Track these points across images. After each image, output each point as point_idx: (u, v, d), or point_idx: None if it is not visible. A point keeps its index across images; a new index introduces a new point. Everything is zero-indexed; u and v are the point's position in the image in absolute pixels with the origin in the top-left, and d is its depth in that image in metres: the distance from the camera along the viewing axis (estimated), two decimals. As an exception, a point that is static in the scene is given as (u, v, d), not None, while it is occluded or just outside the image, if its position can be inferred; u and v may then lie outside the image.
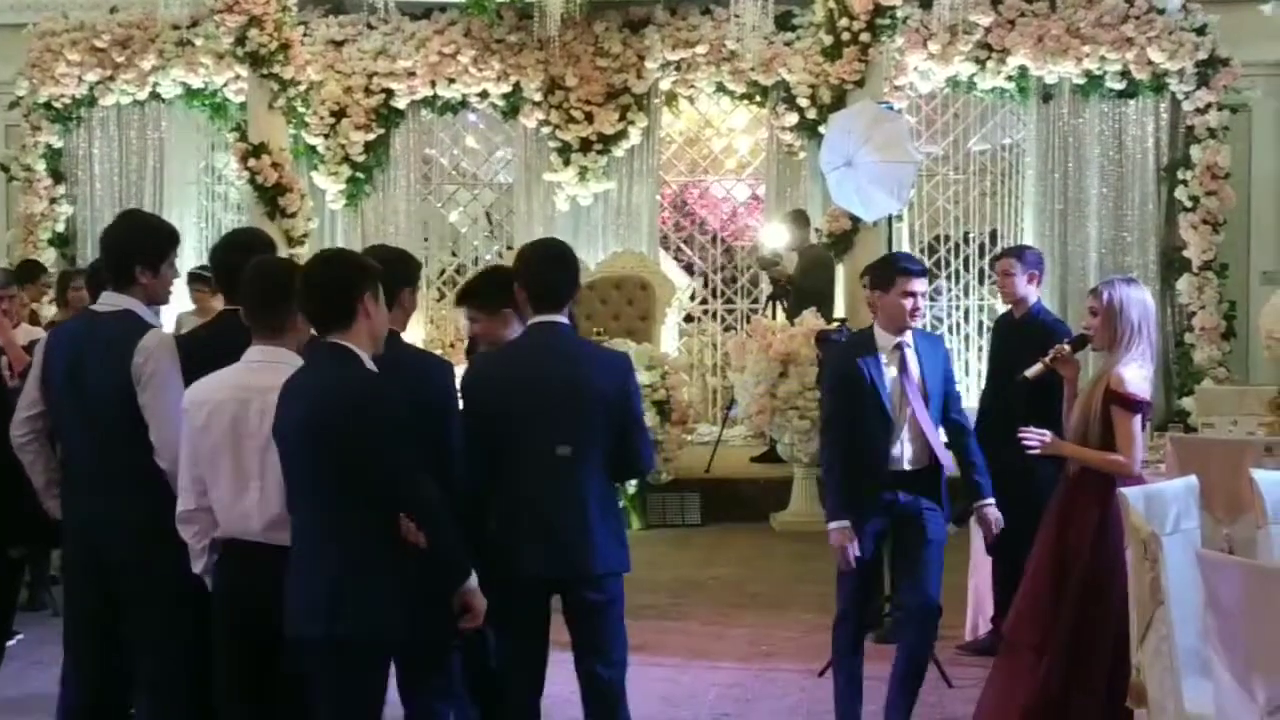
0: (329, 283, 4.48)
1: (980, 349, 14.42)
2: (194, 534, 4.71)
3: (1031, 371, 6.42)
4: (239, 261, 5.02)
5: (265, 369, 4.62)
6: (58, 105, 14.61)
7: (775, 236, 13.72)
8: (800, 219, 13.55)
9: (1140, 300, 5.82)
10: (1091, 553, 5.68)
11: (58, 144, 14.72)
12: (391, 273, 4.83)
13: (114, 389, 4.96)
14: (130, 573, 4.99)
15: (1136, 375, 5.70)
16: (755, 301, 14.92)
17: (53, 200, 14.59)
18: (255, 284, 4.78)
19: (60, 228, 14.48)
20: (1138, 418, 5.70)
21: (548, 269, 5.22)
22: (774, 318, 12.96)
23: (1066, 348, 6.19)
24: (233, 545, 4.63)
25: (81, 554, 5.14)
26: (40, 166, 14.59)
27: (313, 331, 4.56)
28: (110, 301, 5.15)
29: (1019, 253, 8.18)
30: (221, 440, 4.59)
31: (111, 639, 5.15)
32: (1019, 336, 7.85)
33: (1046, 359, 6.29)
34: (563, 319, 5.16)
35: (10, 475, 5.41)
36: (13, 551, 6.37)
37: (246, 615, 4.61)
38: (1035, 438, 5.95)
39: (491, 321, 5.44)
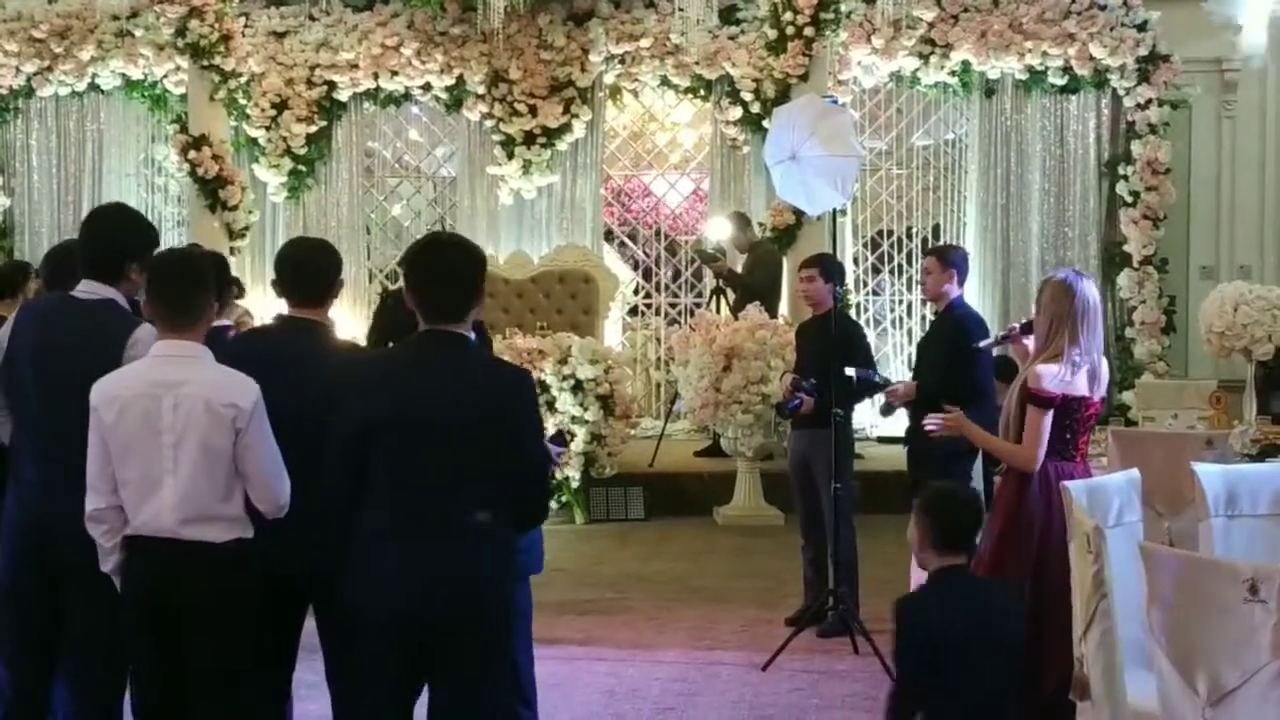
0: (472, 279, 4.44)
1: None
2: (104, 532, 4.62)
3: (985, 343, 6.75)
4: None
5: (175, 363, 4.58)
6: (-7, 96, 14.47)
7: (717, 230, 13.73)
8: (742, 220, 13.59)
9: (1074, 294, 5.76)
10: (998, 544, 5.73)
11: (-6, 135, 14.58)
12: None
13: (88, 377, 4.76)
14: (83, 570, 4.82)
15: (1053, 371, 5.70)
16: (699, 296, 14.93)
17: (-11, 191, 14.45)
18: (167, 276, 4.73)
19: (-4, 221, 14.38)
20: (1047, 415, 5.70)
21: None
22: (718, 311, 13.01)
23: (1017, 327, 6.34)
24: (143, 541, 4.57)
25: (31, 546, 4.96)
26: (-23, 157, 14.44)
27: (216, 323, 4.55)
28: (90, 290, 4.99)
29: (939, 251, 8.45)
30: (133, 436, 4.53)
31: (50, 640, 5.05)
32: (938, 327, 8.34)
33: (1000, 335, 6.59)
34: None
35: None
36: None
37: (158, 612, 4.57)
38: (937, 420, 6.09)
39: None
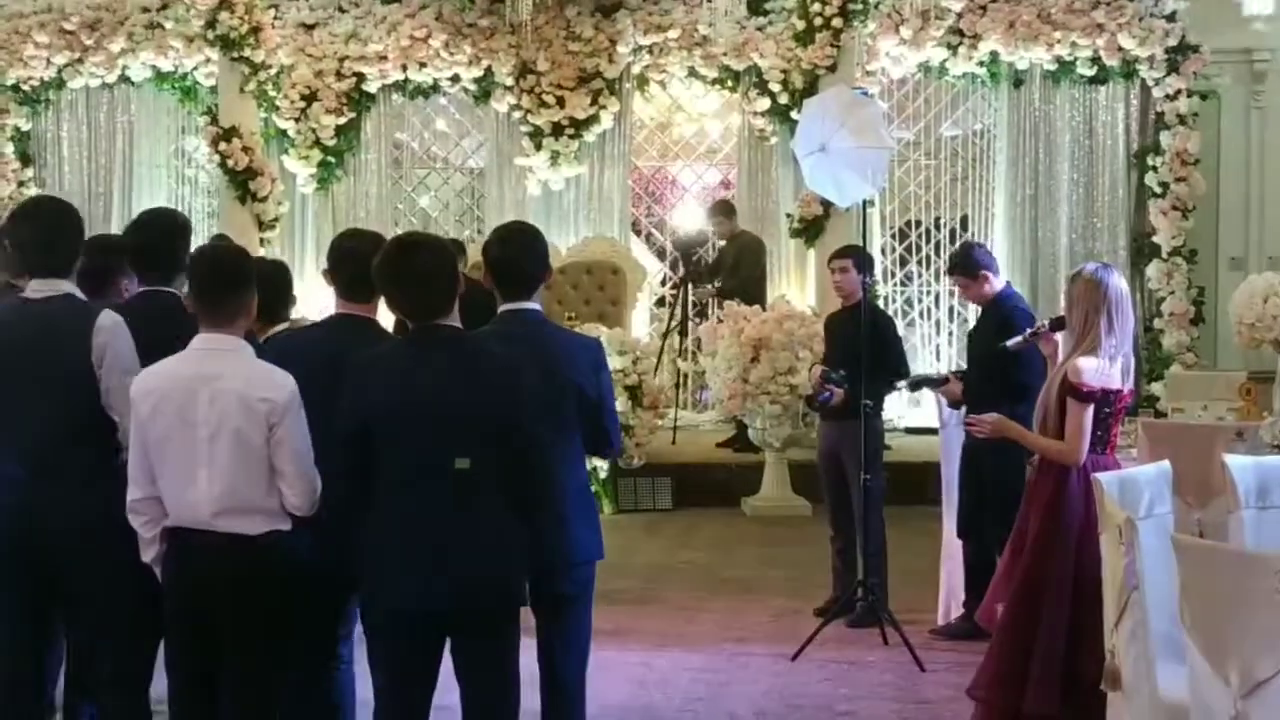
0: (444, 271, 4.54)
1: (951, 333, 14.48)
2: (144, 523, 4.65)
3: (1012, 343, 6.64)
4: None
5: (211, 357, 4.61)
6: (26, 88, 14.52)
7: (692, 219, 13.85)
8: (728, 209, 13.72)
9: (1108, 286, 5.77)
10: (1038, 538, 5.73)
11: (26, 127, 14.64)
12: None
13: (57, 372, 4.86)
14: (77, 561, 4.88)
15: (1093, 365, 5.70)
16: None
17: (21, 183, 14.49)
18: (209, 273, 4.76)
19: (28, 211, 14.37)
20: (1089, 408, 5.69)
21: (514, 253, 5.10)
22: (685, 301, 13.38)
23: (1045, 325, 6.29)
24: (181, 533, 4.60)
25: (17, 542, 4.93)
26: (8, 149, 14.51)
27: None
28: (42, 287, 4.98)
29: (964, 266, 8.24)
30: (168, 429, 4.56)
31: (45, 633, 5.08)
32: (991, 322, 8.06)
33: (1028, 333, 6.47)
34: (533, 305, 5.05)
35: None
36: None
37: (196, 602, 4.60)
38: (978, 423, 6.08)
39: None
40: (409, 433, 4.38)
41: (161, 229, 5.54)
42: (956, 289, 8.45)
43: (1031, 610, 5.68)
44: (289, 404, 4.55)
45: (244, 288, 4.73)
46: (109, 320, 4.94)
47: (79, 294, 5.05)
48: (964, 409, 7.61)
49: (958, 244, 12.46)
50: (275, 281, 5.66)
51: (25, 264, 5.15)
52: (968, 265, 8.17)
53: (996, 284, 8.14)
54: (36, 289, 5.00)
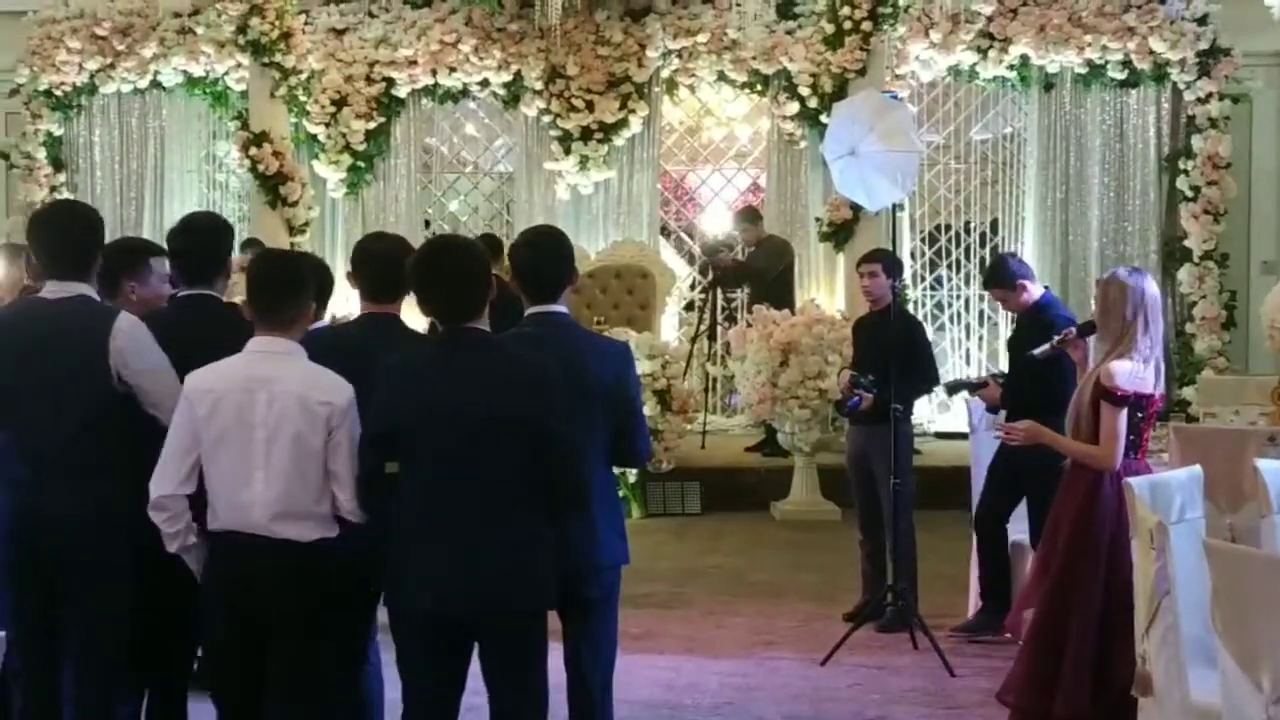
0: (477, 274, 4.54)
1: (981, 338, 14.45)
2: (167, 519, 4.61)
3: (1040, 351, 6.60)
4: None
5: (270, 359, 4.60)
6: (58, 93, 14.59)
7: (720, 223, 13.84)
8: (753, 215, 13.74)
9: (1140, 290, 5.77)
10: (1071, 542, 5.70)
11: (58, 132, 14.70)
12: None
13: (72, 373, 4.87)
14: (83, 565, 4.88)
15: (1127, 369, 5.68)
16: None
17: (53, 188, 14.55)
18: (267, 276, 4.77)
19: (60, 216, 14.43)
20: (1123, 412, 5.67)
21: (537, 256, 5.07)
22: (714, 306, 13.36)
23: (1073, 331, 6.26)
24: (232, 537, 4.58)
25: (26, 544, 4.93)
26: (41, 154, 14.57)
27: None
28: (59, 289, 5.00)
29: (999, 279, 8.24)
30: (226, 430, 4.55)
31: (56, 634, 5.05)
32: (1032, 329, 8.01)
33: (1055, 340, 6.43)
34: (560, 308, 5.03)
35: None
36: None
37: (247, 609, 4.58)
38: (1012, 430, 6.06)
39: None
40: (437, 435, 4.38)
41: (206, 233, 5.54)
42: (996, 301, 8.42)
43: (1063, 614, 5.66)
44: (348, 408, 4.55)
45: (302, 292, 4.74)
46: (126, 322, 4.94)
47: (95, 296, 5.06)
48: (1001, 413, 7.61)
49: (990, 257, 12.45)
50: (319, 280, 5.68)
51: (43, 266, 5.17)
52: (1004, 277, 8.16)
53: (1035, 291, 8.13)
54: (52, 290, 5.02)
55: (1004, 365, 8.42)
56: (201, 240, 5.42)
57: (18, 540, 4.93)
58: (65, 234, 5.08)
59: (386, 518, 4.51)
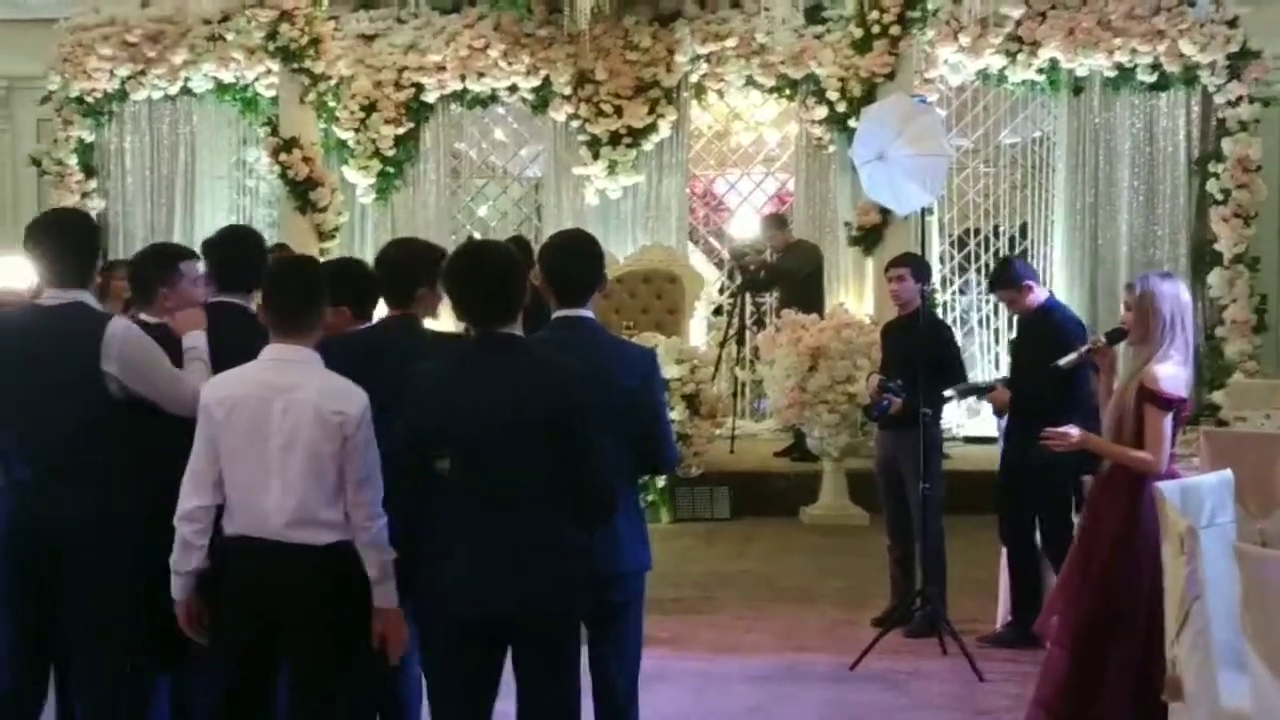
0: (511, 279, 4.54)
1: (1010, 343, 14.40)
2: (196, 531, 4.62)
3: (1066, 360, 6.57)
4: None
5: (286, 368, 4.62)
6: (89, 100, 14.66)
7: (745, 228, 13.84)
8: (780, 222, 13.75)
9: (1174, 295, 5.78)
10: (1115, 547, 5.67)
11: (89, 138, 14.76)
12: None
13: (68, 378, 4.92)
14: (83, 566, 4.92)
15: (1171, 372, 5.67)
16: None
17: (84, 194, 14.63)
18: (282, 285, 4.79)
19: (92, 222, 14.50)
20: (1168, 416, 5.66)
21: (569, 260, 5.07)
22: (743, 310, 13.37)
23: (1103, 340, 6.24)
24: (248, 541, 4.60)
25: (25, 545, 4.99)
26: (72, 161, 14.64)
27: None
28: (56, 295, 5.05)
29: (1005, 280, 8.27)
30: (241, 437, 4.57)
31: (51, 632, 5.08)
32: (1032, 334, 8.12)
33: (1083, 349, 6.41)
34: (587, 313, 5.03)
35: None
36: None
37: (260, 611, 4.59)
38: (1058, 437, 6.01)
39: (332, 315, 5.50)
40: (468, 438, 4.38)
41: (242, 244, 5.61)
42: (1003, 304, 8.45)
43: (1108, 620, 5.62)
44: (362, 416, 4.55)
45: (318, 300, 4.75)
46: (119, 327, 5.00)
47: (93, 302, 5.11)
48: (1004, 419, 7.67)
49: (996, 261, 12.45)
50: (363, 284, 5.70)
51: (41, 275, 5.23)
52: (1012, 278, 8.18)
53: (1040, 293, 8.17)
54: (50, 297, 5.09)
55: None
56: (236, 252, 5.47)
57: (17, 540, 4.99)
58: (61, 243, 5.12)
59: (413, 519, 4.51)
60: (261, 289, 4.84)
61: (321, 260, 8.46)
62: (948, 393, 7.93)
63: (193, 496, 4.63)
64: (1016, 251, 14.19)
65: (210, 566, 4.67)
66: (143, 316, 5.47)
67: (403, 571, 4.58)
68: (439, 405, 4.43)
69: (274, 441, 4.54)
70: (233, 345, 4.91)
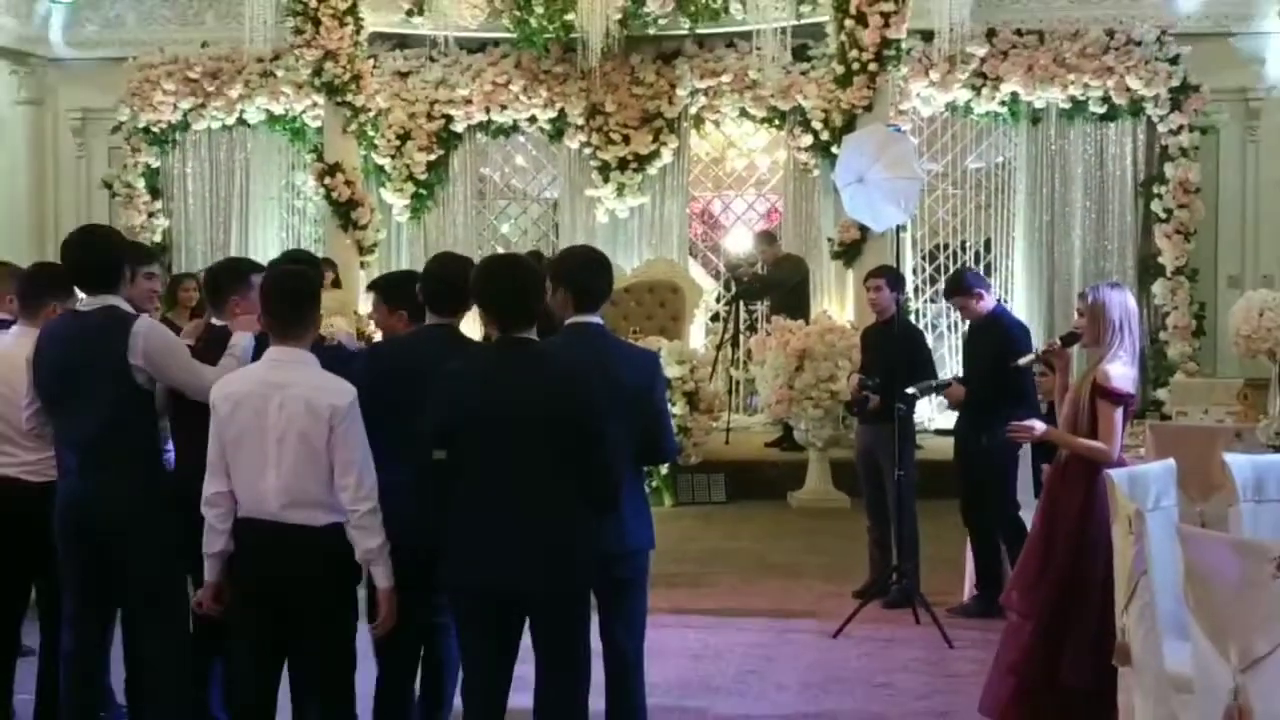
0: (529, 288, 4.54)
1: (963, 344, 14.38)
2: (218, 515, 4.64)
3: (1024, 360, 6.59)
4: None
5: (284, 367, 4.62)
6: (155, 129, 14.68)
7: (740, 243, 13.91)
8: (769, 238, 13.81)
9: (1122, 303, 5.76)
10: (1075, 529, 5.63)
11: (155, 164, 14.78)
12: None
13: (102, 373, 4.97)
14: (121, 538, 4.97)
15: (1120, 371, 5.65)
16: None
17: (151, 214, 14.66)
18: (279, 292, 4.77)
19: (158, 238, 14.48)
20: (1119, 409, 5.63)
21: (590, 273, 5.07)
22: (737, 317, 13.41)
23: (1058, 342, 6.21)
24: (252, 523, 4.61)
25: (74, 520, 5.05)
26: (140, 184, 14.66)
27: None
28: (91, 301, 5.10)
29: (961, 288, 8.28)
30: (244, 429, 4.58)
31: (102, 598, 5.12)
32: (983, 337, 8.14)
33: (1039, 350, 6.42)
34: (597, 319, 5.01)
35: None
36: None
37: (263, 584, 4.60)
38: (1023, 430, 6.00)
39: (390, 317, 5.56)
40: (490, 431, 4.37)
41: (298, 266, 5.60)
42: (956, 310, 8.50)
43: (1069, 598, 5.56)
44: (349, 408, 4.55)
45: (309, 306, 4.75)
46: (144, 325, 5.05)
47: (123, 305, 5.12)
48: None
49: (951, 272, 12.46)
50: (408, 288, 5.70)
51: (76, 283, 5.28)
52: (967, 286, 8.22)
53: (989, 301, 8.19)
54: (84, 303, 5.14)
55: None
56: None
57: (66, 520, 5.05)
58: (91, 254, 5.16)
59: (441, 503, 4.49)
60: (259, 298, 4.84)
61: (387, 273, 8.46)
62: (910, 390, 7.92)
63: (211, 483, 4.65)
64: (981, 265, 14.16)
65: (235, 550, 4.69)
66: (214, 320, 5.49)
67: (433, 552, 4.55)
68: (465, 402, 4.41)
69: (271, 434, 4.55)
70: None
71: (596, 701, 4.77)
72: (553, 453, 4.37)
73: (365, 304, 9.26)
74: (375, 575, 4.61)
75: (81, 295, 5.19)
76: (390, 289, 5.70)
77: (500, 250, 14.66)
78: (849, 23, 12.81)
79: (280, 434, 4.54)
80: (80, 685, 5.17)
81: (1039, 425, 6.02)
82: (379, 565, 4.59)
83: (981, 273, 13.21)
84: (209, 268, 6.08)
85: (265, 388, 4.59)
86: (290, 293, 4.76)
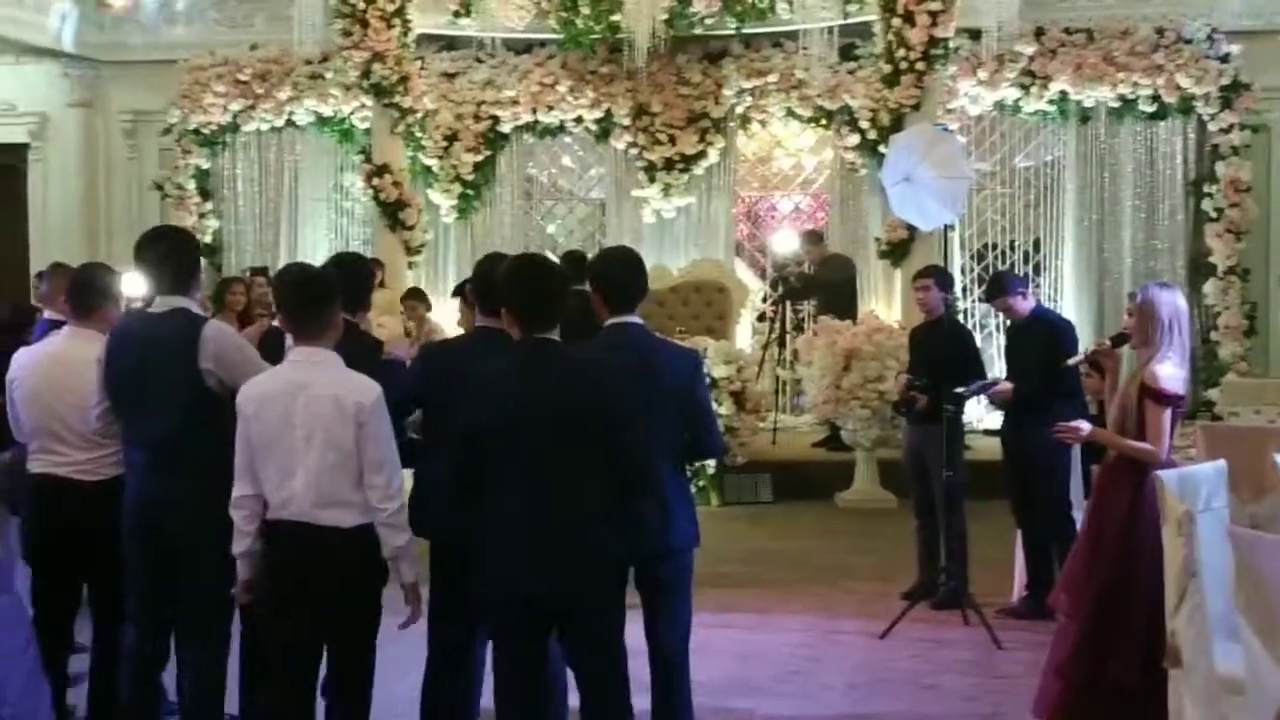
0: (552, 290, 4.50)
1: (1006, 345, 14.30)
2: (244, 517, 4.65)
3: (1073, 360, 6.56)
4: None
5: (308, 367, 4.62)
6: (205, 131, 14.80)
7: (787, 244, 14.02)
8: (815, 238, 13.76)
9: (1172, 302, 5.71)
10: (1123, 530, 5.59)
11: (205, 165, 14.91)
12: None
13: (169, 374, 5.00)
14: (184, 539, 4.99)
15: (1169, 372, 5.60)
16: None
17: (201, 215, 14.77)
18: (295, 292, 4.78)
19: (208, 239, 14.58)
20: (1168, 411, 5.58)
21: (621, 273, 5.06)
22: (784, 317, 13.33)
23: (1107, 342, 6.17)
24: (282, 525, 4.60)
25: (140, 517, 5.09)
26: (190, 185, 14.78)
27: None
28: (163, 303, 5.13)
29: (1002, 288, 8.26)
30: (272, 430, 4.57)
31: (166, 597, 5.14)
32: (1027, 337, 8.12)
33: (1089, 351, 6.39)
34: (636, 319, 5.01)
35: None
36: None
37: (295, 586, 4.59)
38: (1069, 431, 5.95)
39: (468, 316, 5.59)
40: (520, 433, 4.32)
41: (354, 267, 5.65)
42: (998, 311, 8.45)
43: (1118, 600, 5.53)
44: (375, 405, 4.55)
45: (328, 305, 4.72)
46: (214, 329, 5.09)
47: (194, 308, 5.16)
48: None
49: (990, 275, 12.42)
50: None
51: (149, 285, 5.31)
52: (1007, 288, 8.20)
53: (1029, 301, 8.17)
54: (158, 305, 5.16)
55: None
56: (348, 274, 5.45)
57: (133, 518, 5.09)
58: (165, 256, 5.19)
59: (471, 506, 4.47)
60: (275, 299, 4.85)
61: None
62: (959, 390, 7.90)
63: (238, 486, 4.66)
64: (1030, 264, 14.10)
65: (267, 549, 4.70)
66: (274, 324, 5.52)
67: (466, 553, 4.55)
68: (495, 403, 4.38)
69: (298, 433, 4.55)
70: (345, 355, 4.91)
71: (642, 700, 4.76)
72: (569, 454, 4.32)
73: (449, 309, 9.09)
74: (401, 571, 4.62)
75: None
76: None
77: (547, 252, 14.70)
78: (896, 22, 12.76)
79: (308, 433, 4.53)
80: (143, 683, 5.22)
81: (1085, 425, 5.97)
82: (405, 561, 4.61)
83: (1030, 273, 13.26)
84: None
85: (291, 387, 4.59)
86: (300, 294, 4.76)
